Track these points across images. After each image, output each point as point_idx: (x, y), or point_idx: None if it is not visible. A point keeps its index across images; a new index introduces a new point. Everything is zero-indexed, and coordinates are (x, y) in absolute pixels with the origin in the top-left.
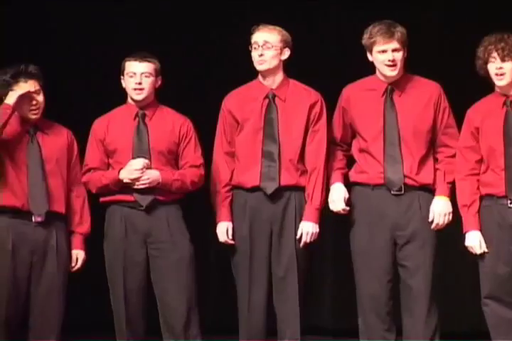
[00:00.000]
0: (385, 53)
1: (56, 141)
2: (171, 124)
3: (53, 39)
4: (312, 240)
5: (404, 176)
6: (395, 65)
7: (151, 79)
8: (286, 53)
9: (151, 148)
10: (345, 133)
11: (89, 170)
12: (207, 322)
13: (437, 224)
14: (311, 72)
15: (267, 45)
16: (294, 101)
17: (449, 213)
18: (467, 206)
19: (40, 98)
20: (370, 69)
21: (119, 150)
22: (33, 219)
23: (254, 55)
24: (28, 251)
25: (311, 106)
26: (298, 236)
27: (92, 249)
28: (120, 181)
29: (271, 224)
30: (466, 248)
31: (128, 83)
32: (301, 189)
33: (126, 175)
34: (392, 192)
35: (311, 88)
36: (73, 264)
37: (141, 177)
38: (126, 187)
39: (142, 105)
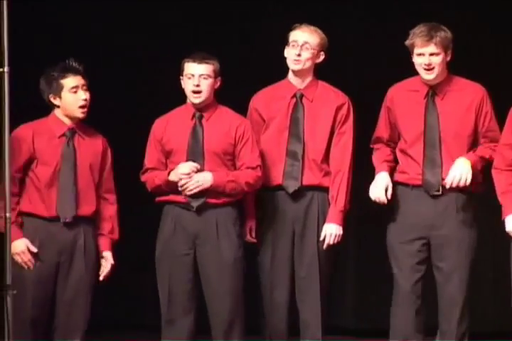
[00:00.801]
0: (423, 56)
1: (92, 146)
2: (227, 125)
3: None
4: (335, 242)
5: (443, 179)
6: (431, 69)
7: (210, 80)
8: (321, 57)
9: (205, 149)
10: (392, 133)
11: (147, 170)
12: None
13: (453, 178)
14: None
15: (306, 46)
16: (321, 102)
17: (467, 173)
18: (505, 193)
19: (88, 94)
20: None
21: (174, 150)
22: (61, 220)
23: (291, 52)
24: (55, 251)
25: (338, 108)
26: (321, 238)
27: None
28: (170, 182)
29: (293, 224)
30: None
31: (186, 85)
32: (323, 189)
33: (174, 177)
34: (430, 193)
35: (340, 90)
36: (102, 267)
37: (187, 182)
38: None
39: (200, 106)
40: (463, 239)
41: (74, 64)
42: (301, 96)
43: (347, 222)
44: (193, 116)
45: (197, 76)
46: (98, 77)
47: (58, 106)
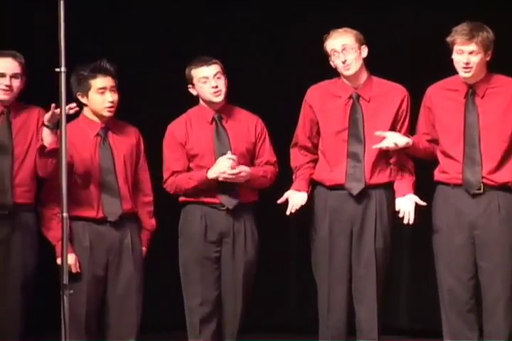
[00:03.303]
0: (462, 54)
1: (126, 141)
2: (246, 124)
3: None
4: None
5: (483, 177)
6: (469, 68)
7: (223, 79)
8: (365, 50)
9: (232, 149)
10: (433, 132)
11: (172, 173)
12: (289, 322)
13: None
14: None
15: (347, 49)
16: (379, 101)
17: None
18: None
19: (115, 96)
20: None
21: (200, 154)
22: (108, 219)
23: (337, 62)
24: (104, 250)
25: (400, 103)
26: (402, 215)
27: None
28: (208, 181)
29: (351, 224)
30: None
31: (203, 89)
32: (383, 186)
33: (213, 175)
34: (470, 192)
35: (395, 83)
36: None
37: (239, 172)
38: (211, 188)
39: (218, 107)
40: (505, 238)
41: (105, 65)
42: (358, 97)
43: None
44: (213, 118)
45: (211, 77)
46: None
47: (86, 105)
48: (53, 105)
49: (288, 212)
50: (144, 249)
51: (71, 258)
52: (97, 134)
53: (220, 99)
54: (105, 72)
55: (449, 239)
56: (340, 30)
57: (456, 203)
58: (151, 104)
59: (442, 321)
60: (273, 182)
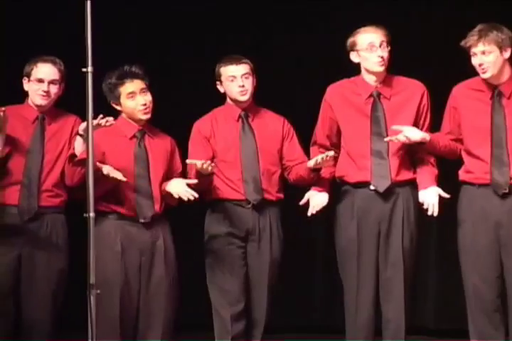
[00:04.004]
0: (476, 56)
1: (161, 145)
2: (272, 123)
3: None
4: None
5: (511, 178)
6: (485, 68)
7: (251, 79)
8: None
9: (259, 148)
10: (458, 132)
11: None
12: (314, 322)
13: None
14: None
15: (384, 45)
16: (400, 98)
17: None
18: None
19: (147, 97)
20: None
21: (225, 150)
22: (140, 220)
23: (373, 55)
24: (136, 251)
25: (421, 99)
26: (426, 207)
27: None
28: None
29: (379, 223)
30: None
31: (229, 87)
32: (408, 184)
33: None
34: (498, 192)
35: (413, 79)
36: None
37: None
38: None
39: (245, 106)
40: None
41: (131, 68)
42: (379, 94)
43: (429, 223)
44: (239, 116)
45: (239, 76)
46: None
47: (121, 111)
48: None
49: (309, 213)
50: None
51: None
52: (134, 136)
53: (245, 98)
54: (132, 76)
55: (475, 239)
56: (372, 26)
57: (482, 203)
58: (175, 105)
59: (468, 321)
60: None
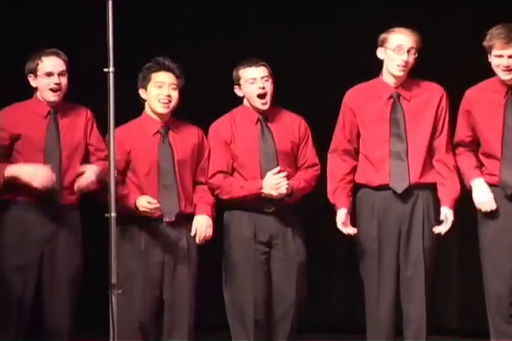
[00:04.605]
0: (502, 58)
1: (187, 139)
2: (289, 125)
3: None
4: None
5: None
6: (510, 70)
7: (269, 81)
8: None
9: (277, 150)
10: (474, 136)
11: (217, 172)
12: (335, 322)
13: None
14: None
15: (412, 51)
16: (419, 100)
17: None
18: None
19: (174, 93)
20: None
21: (244, 154)
22: (164, 219)
23: (398, 58)
24: (160, 250)
25: (439, 102)
26: (442, 218)
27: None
28: (260, 194)
29: (399, 224)
30: None
31: (249, 89)
32: (428, 186)
33: (270, 189)
34: (507, 193)
35: (433, 82)
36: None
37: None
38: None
39: (265, 108)
40: None
41: (168, 61)
42: (398, 96)
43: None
44: (258, 119)
45: (259, 79)
46: None
47: (145, 100)
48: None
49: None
50: (208, 217)
51: (142, 200)
52: (157, 132)
53: (266, 107)
54: (167, 69)
55: (495, 241)
56: (403, 28)
57: (504, 205)
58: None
59: (489, 324)
60: (315, 186)
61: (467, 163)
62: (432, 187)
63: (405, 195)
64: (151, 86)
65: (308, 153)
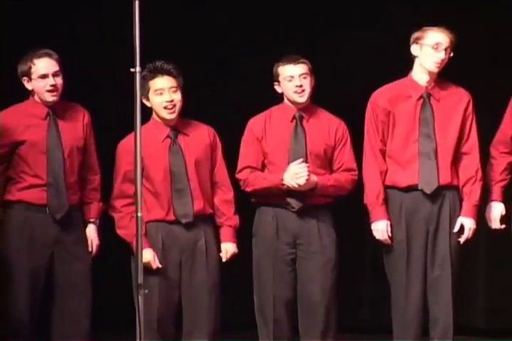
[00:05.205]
0: None
1: (198, 141)
2: (326, 127)
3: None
4: (471, 236)
5: None
6: None
7: (309, 79)
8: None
9: (308, 150)
10: None
11: (245, 167)
12: (362, 322)
13: None
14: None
15: (448, 51)
16: (449, 101)
17: None
18: None
19: (176, 95)
20: None
21: (275, 151)
22: (181, 221)
23: (435, 55)
24: (177, 250)
25: (467, 106)
26: (456, 230)
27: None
28: (282, 186)
29: (427, 224)
30: None
31: (287, 86)
32: (454, 188)
33: (290, 180)
34: None
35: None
36: (222, 257)
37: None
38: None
39: (302, 106)
40: None
41: (162, 65)
42: (429, 95)
43: (479, 222)
44: (294, 117)
45: (297, 76)
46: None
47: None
48: None
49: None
50: (232, 244)
51: (150, 255)
52: (167, 136)
53: (303, 99)
54: (162, 73)
55: None
56: (445, 28)
57: None
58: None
59: None
60: (352, 190)
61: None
62: (458, 189)
63: (433, 196)
64: (151, 94)
65: (345, 158)
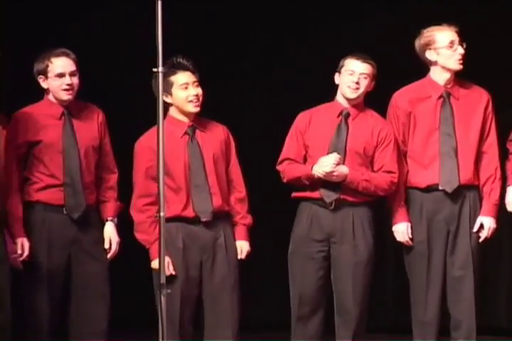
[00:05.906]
0: None
1: (215, 137)
2: (371, 126)
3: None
4: (491, 236)
5: None
6: None
7: (367, 80)
8: None
9: (347, 147)
10: None
11: (285, 160)
12: (384, 323)
13: None
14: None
15: (461, 43)
16: (468, 100)
17: None
18: None
19: (200, 90)
20: None
21: (316, 145)
22: (202, 219)
23: (455, 53)
24: (197, 250)
25: (486, 105)
26: (475, 230)
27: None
28: (312, 176)
29: (448, 224)
30: None
31: (345, 79)
32: (474, 187)
33: (318, 169)
34: None
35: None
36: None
37: (333, 171)
38: (315, 183)
39: (351, 104)
40: None
41: (182, 60)
42: (449, 95)
43: (502, 222)
44: (340, 113)
45: (357, 73)
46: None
47: (171, 104)
48: None
49: None
50: (246, 243)
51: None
52: (185, 133)
53: (353, 95)
54: (184, 68)
55: None
56: (446, 24)
57: None
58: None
59: None
60: (388, 191)
61: None
62: (478, 189)
63: (454, 196)
64: (176, 89)
65: (387, 159)
